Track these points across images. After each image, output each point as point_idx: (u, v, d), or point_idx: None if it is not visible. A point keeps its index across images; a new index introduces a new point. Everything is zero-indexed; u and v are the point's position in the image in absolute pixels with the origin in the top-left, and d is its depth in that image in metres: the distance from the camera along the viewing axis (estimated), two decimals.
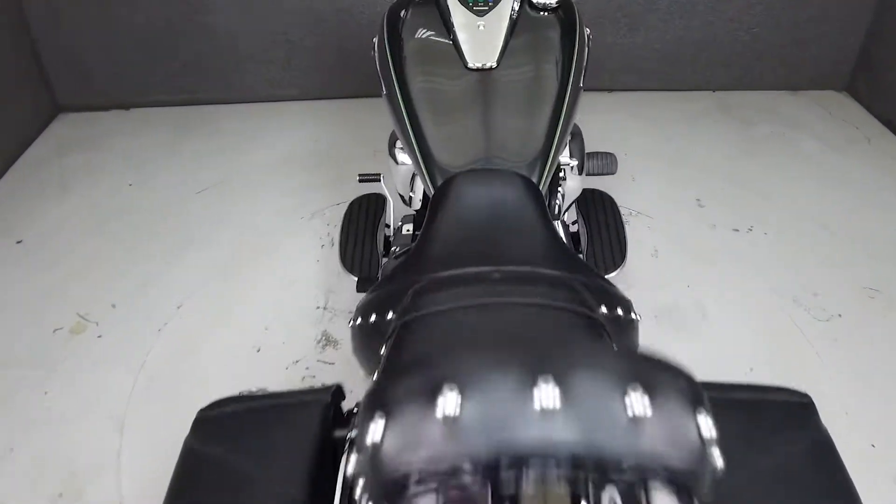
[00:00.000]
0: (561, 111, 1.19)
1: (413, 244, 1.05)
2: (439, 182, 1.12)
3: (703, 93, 3.09)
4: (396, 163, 1.44)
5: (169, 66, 2.90)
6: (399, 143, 1.37)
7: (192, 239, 2.20)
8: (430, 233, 1.01)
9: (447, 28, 1.26)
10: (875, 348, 1.81)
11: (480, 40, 1.22)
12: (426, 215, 1.09)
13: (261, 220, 2.28)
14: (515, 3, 1.29)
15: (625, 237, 1.73)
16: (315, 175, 2.52)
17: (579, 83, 1.26)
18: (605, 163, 1.71)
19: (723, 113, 2.93)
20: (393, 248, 1.48)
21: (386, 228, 1.80)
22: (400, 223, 1.57)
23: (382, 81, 1.28)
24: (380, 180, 1.77)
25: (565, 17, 1.32)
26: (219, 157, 2.65)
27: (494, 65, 1.20)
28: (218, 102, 3.02)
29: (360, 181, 1.77)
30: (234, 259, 2.11)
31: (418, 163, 1.15)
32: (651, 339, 1.82)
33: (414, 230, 1.54)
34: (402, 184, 1.51)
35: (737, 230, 2.26)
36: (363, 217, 1.79)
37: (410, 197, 1.54)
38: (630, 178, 2.50)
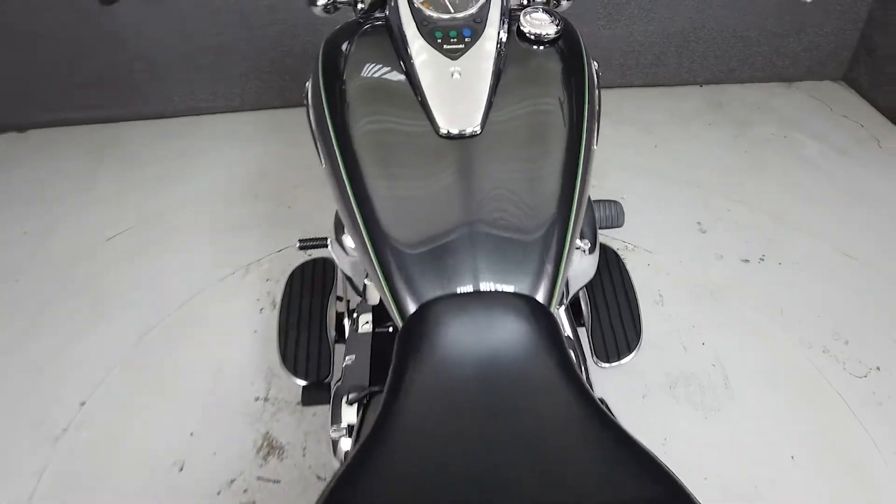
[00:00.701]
0: (573, 192, 0.83)
1: (370, 425, 0.69)
2: (409, 308, 0.76)
3: (690, 88, 2.76)
4: (346, 252, 1.06)
5: (73, 78, 2.43)
6: (337, 209, 1.00)
7: (99, 307, 1.78)
8: (394, 418, 0.66)
9: (409, 75, 0.88)
10: None
11: (456, 94, 0.85)
12: (392, 362, 0.73)
13: (185, 276, 1.87)
14: (502, 32, 0.91)
15: (637, 306, 1.40)
16: (250, 211, 2.11)
17: (592, 144, 0.90)
18: (609, 214, 1.36)
19: (715, 112, 2.61)
20: (347, 360, 1.11)
21: (338, 303, 1.43)
22: (356, 314, 1.21)
23: (320, 149, 0.90)
24: (326, 245, 1.40)
25: (567, 50, 0.95)
26: (134, 189, 2.21)
27: (477, 130, 0.83)
28: (134, 119, 2.56)
29: (301, 248, 1.40)
30: (152, 335, 1.70)
31: (378, 281, 0.79)
32: (670, 422, 1.50)
33: (374, 326, 1.18)
34: (356, 274, 1.14)
35: (747, 260, 1.96)
36: (307, 293, 1.41)
37: (365, 286, 1.17)
38: (619, 198, 2.17)
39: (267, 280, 1.84)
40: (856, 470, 1.42)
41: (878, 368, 1.65)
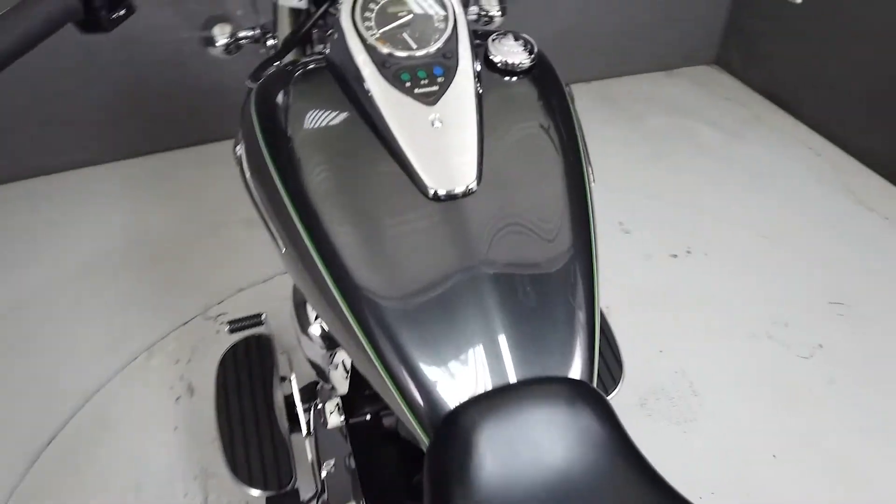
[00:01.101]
0: (590, 240, 0.72)
1: None
2: (434, 420, 0.61)
3: (578, 85, 2.76)
4: (310, 338, 0.88)
5: None
6: (312, 304, 0.81)
7: None
8: None
9: (376, 127, 0.72)
10: (874, 388, 1.58)
11: (441, 146, 0.70)
12: (426, 494, 0.58)
13: (74, 375, 1.55)
14: (477, 64, 0.77)
15: (612, 334, 1.31)
16: (139, 280, 1.82)
17: (591, 180, 0.80)
18: None
19: (609, 108, 2.63)
20: (325, 466, 0.93)
21: (282, 383, 1.23)
22: (320, 403, 1.02)
23: (274, 229, 0.71)
24: (262, 322, 1.20)
25: (545, 79, 0.83)
26: None
27: (474, 186, 0.69)
28: None
29: (232, 331, 1.18)
30: (46, 455, 1.39)
31: (392, 396, 0.62)
32: (651, 442, 1.43)
33: (346, 416, 1.00)
34: (322, 359, 0.95)
35: (675, 255, 1.95)
36: (245, 381, 1.19)
37: (330, 370, 0.99)
38: None
39: (177, 362, 1.57)
40: (826, 452, 1.43)
41: (821, 346, 1.68)
